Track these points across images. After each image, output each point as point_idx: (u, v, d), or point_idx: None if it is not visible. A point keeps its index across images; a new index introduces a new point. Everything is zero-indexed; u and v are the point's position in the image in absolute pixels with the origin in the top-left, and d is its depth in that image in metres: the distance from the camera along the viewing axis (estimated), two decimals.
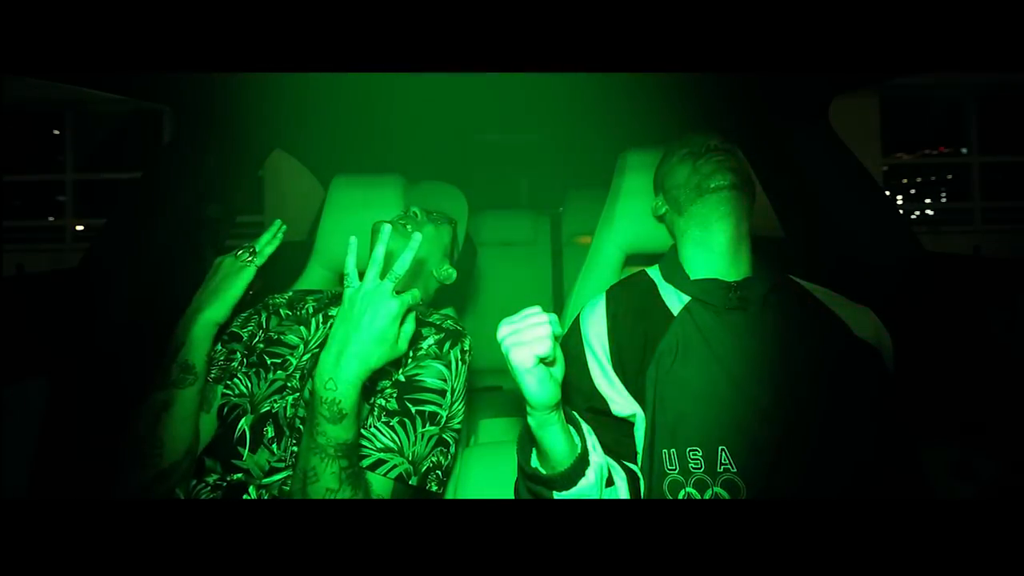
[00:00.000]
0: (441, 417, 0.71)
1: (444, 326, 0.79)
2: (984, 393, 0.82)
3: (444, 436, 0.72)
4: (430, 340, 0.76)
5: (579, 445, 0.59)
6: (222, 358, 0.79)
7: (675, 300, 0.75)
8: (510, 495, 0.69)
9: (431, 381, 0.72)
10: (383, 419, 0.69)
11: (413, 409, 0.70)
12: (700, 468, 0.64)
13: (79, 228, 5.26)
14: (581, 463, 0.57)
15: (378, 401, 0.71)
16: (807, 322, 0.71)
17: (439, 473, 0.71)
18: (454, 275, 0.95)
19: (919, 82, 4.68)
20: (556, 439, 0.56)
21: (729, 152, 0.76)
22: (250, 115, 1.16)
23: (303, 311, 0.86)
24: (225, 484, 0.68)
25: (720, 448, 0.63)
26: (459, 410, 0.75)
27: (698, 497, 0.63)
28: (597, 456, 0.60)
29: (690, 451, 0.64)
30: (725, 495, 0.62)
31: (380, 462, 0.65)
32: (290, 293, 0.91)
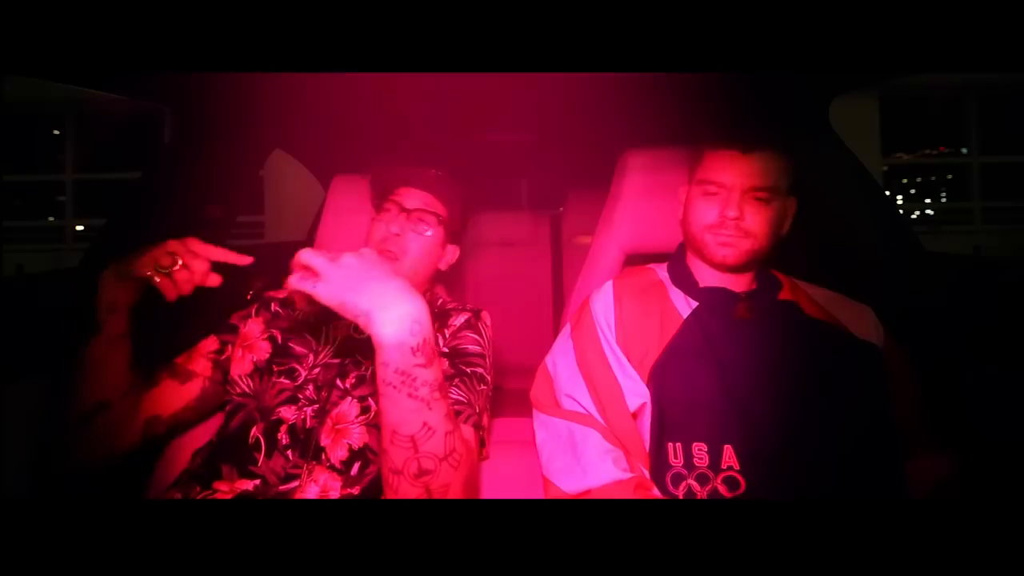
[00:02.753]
0: (486, 379, 0.77)
1: (466, 308, 0.87)
2: (983, 393, 0.82)
3: (486, 400, 0.76)
4: (460, 319, 0.83)
5: None
6: (212, 349, 0.79)
7: (683, 304, 0.76)
8: (509, 495, 0.69)
9: (472, 347, 0.79)
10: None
11: (468, 370, 0.75)
12: (704, 463, 0.65)
13: (79, 228, 5.26)
14: None
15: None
16: (811, 329, 0.72)
17: (483, 437, 0.74)
18: (456, 253, 0.96)
19: (919, 82, 4.67)
20: None
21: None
22: (250, 115, 1.16)
23: (303, 314, 0.85)
24: (240, 494, 0.68)
25: (724, 445, 0.65)
26: (490, 378, 0.80)
27: (699, 489, 0.64)
28: None
29: (695, 446, 0.66)
30: (725, 489, 0.63)
31: (457, 412, 0.68)
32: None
